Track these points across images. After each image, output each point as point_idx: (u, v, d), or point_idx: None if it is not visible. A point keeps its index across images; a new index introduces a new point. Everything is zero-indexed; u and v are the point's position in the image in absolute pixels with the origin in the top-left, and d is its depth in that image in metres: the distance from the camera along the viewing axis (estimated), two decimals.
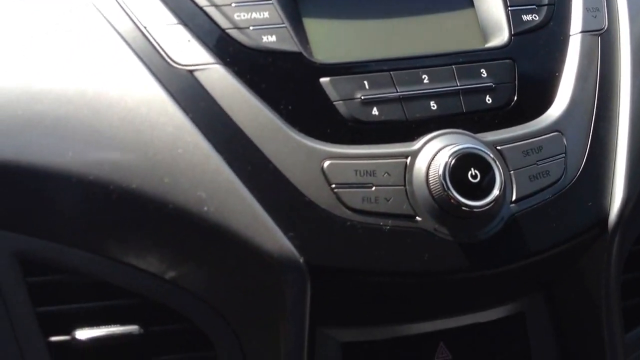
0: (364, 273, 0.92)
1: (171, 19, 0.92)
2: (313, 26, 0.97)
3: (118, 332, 0.92)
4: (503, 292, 1.02)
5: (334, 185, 0.91)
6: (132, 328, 0.92)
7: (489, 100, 0.99)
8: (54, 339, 0.91)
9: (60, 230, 0.91)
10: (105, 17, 0.92)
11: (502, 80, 1.00)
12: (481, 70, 0.99)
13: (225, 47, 0.92)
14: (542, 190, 0.98)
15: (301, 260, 0.89)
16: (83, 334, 0.91)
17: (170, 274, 0.92)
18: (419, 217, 0.93)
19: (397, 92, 0.96)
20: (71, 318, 0.92)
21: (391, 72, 0.96)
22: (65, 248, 0.91)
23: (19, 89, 0.90)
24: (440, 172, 0.92)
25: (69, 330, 0.91)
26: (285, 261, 0.89)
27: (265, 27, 0.94)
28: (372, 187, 0.92)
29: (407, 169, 0.93)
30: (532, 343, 1.04)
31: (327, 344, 0.97)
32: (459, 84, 0.98)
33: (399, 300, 0.97)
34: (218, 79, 0.91)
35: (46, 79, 0.91)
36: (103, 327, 0.92)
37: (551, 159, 0.98)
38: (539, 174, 0.97)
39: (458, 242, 0.93)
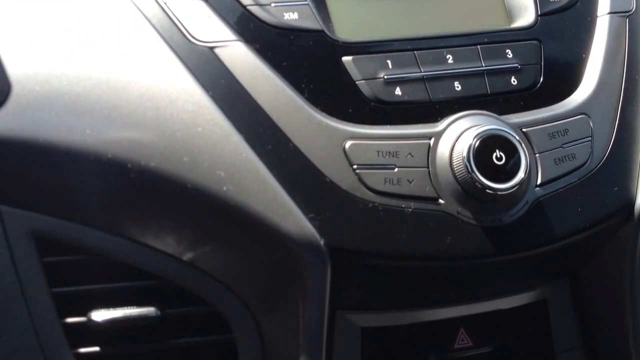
0: (385, 256, 0.91)
1: None
2: (335, 4, 0.96)
3: (135, 314, 0.91)
4: (526, 279, 1.02)
5: (355, 166, 0.90)
6: (149, 310, 0.91)
7: (514, 81, 0.97)
8: (69, 320, 0.91)
9: (76, 209, 0.90)
10: None
11: (527, 61, 0.99)
12: (506, 51, 0.98)
13: (247, 24, 0.91)
14: (567, 174, 0.96)
15: (322, 242, 0.88)
16: (99, 315, 0.91)
17: (188, 256, 0.91)
18: (442, 199, 0.92)
19: (421, 72, 0.94)
20: (87, 299, 0.91)
21: (415, 52, 0.95)
22: (81, 227, 0.90)
23: (37, 65, 0.89)
24: (465, 154, 0.90)
25: (84, 312, 0.91)
26: (306, 243, 0.88)
27: (287, 4, 0.93)
28: (394, 169, 0.91)
29: (431, 151, 0.92)
30: (554, 331, 1.04)
31: (347, 329, 0.96)
32: (483, 65, 0.97)
33: (419, 285, 0.97)
34: (239, 56, 0.90)
35: (63, 55, 0.90)
36: (119, 308, 0.91)
37: (577, 142, 0.97)
38: (565, 157, 0.96)
39: (481, 225, 0.92)
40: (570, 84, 1.00)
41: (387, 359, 0.98)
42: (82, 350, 0.91)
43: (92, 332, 0.91)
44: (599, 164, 0.98)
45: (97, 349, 0.92)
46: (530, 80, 0.98)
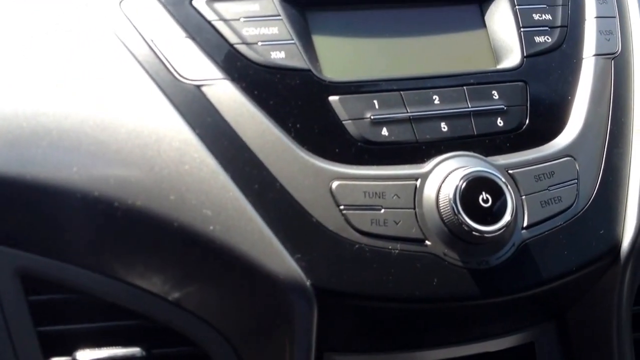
0: (371, 298, 0.92)
1: (179, 32, 0.92)
2: (322, 43, 0.97)
3: (120, 354, 0.91)
4: (513, 321, 1.02)
5: (342, 207, 0.91)
6: (135, 350, 0.91)
7: (500, 123, 0.99)
8: (54, 359, 0.90)
9: (63, 247, 0.91)
10: (112, 30, 0.92)
11: (513, 102, 1.00)
12: (493, 92, 1.00)
13: (233, 63, 0.93)
14: (554, 216, 0.98)
15: (308, 283, 0.89)
16: (84, 355, 0.90)
17: (174, 295, 0.91)
18: (428, 241, 0.93)
19: (408, 112, 0.96)
20: (73, 339, 0.91)
21: (401, 92, 0.97)
22: (68, 266, 0.90)
23: (25, 101, 0.90)
24: (451, 195, 0.91)
25: (70, 351, 0.91)
26: (292, 283, 0.89)
27: (273, 43, 0.94)
28: (381, 210, 0.92)
29: (417, 192, 0.93)
30: None
31: None
32: (470, 106, 0.98)
33: (406, 326, 0.97)
34: (225, 95, 0.91)
35: (52, 91, 0.91)
36: (105, 348, 0.91)
37: (563, 184, 0.99)
38: (551, 199, 0.98)
39: (468, 267, 0.93)
40: (556, 125, 1.02)
41: None
42: None
43: None
44: (585, 206, 0.99)
45: None
46: (516, 121, 1.00)
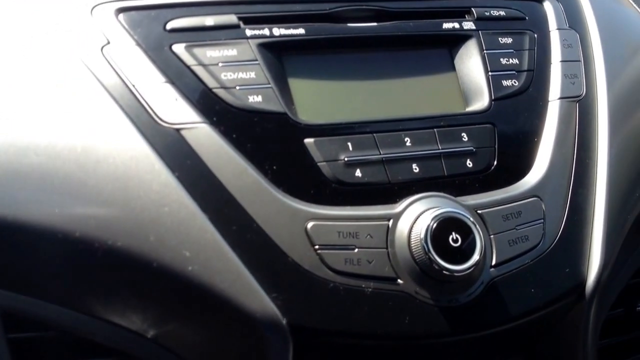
0: (345, 335, 0.93)
1: (159, 77, 0.94)
2: (298, 86, 0.99)
3: None
4: (483, 356, 1.04)
5: (317, 247, 0.93)
6: None
7: (469, 164, 1.01)
8: None
9: (43, 286, 0.92)
10: (94, 74, 0.94)
11: (482, 144, 1.03)
12: (462, 134, 1.02)
13: (212, 107, 0.94)
14: (521, 255, 1.00)
15: (284, 321, 0.90)
16: None
17: (153, 333, 0.92)
18: (400, 279, 0.94)
19: (380, 154, 0.98)
20: None
21: (374, 134, 0.98)
22: (48, 305, 0.91)
23: (7, 142, 0.91)
24: (422, 235, 0.93)
25: None
26: (268, 322, 0.90)
27: (251, 87, 0.96)
28: (354, 249, 0.93)
29: (390, 232, 0.95)
30: None
31: None
32: (440, 148, 1.00)
33: None
34: (204, 138, 0.93)
35: (34, 133, 0.92)
36: None
37: (530, 224, 1.01)
38: (518, 238, 1.00)
39: (438, 305, 0.95)
40: (522, 166, 1.04)
41: None
42: None
43: None
44: (551, 245, 1.01)
45: None
46: (484, 162, 1.02)
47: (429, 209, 0.95)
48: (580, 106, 1.10)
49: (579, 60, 1.13)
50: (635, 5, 1.34)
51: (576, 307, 1.03)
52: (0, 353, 0.90)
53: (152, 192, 0.90)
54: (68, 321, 0.92)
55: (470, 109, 1.05)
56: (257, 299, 0.90)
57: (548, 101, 1.08)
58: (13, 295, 0.91)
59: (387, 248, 0.95)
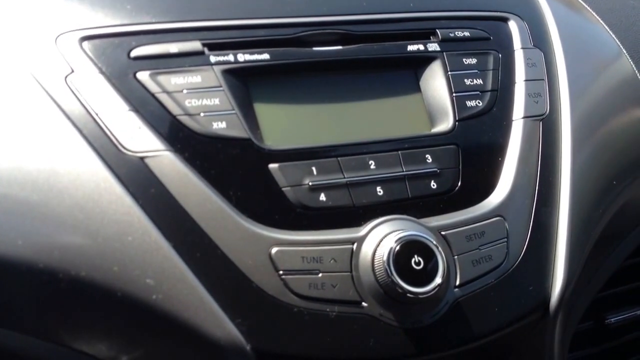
0: (310, 359, 0.90)
1: (123, 105, 0.90)
2: (263, 111, 0.96)
3: None
4: None
5: (281, 272, 0.89)
6: None
7: (433, 185, 0.98)
8: None
9: (9, 317, 0.88)
10: (57, 103, 0.90)
11: (446, 165, 0.99)
12: (426, 156, 0.99)
13: (176, 134, 0.90)
14: (485, 274, 0.97)
15: (248, 347, 0.87)
16: None
17: None
18: (365, 302, 0.91)
19: (345, 177, 0.94)
20: None
21: (339, 158, 0.95)
22: (12, 334, 0.88)
23: None
24: (385, 258, 0.90)
25: None
26: (232, 348, 0.87)
27: (215, 113, 0.92)
28: (318, 274, 0.90)
29: (354, 255, 0.92)
30: None
31: None
32: (404, 170, 0.97)
33: None
34: (168, 166, 0.89)
35: None
36: None
37: (493, 243, 0.98)
38: (482, 258, 0.97)
39: (403, 327, 0.92)
40: (486, 186, 1.01)
41: None
42: None
43: None
44: (514, 264, 0.98)
45: None
46: (448, 184, 0.99)
47: (392, 232, 0.92)
48: (543, 125, 1.06)
49: (543, 79, 1.10)
50: (602, 22, 1.30)
51: (541, 323, 1.00)
52: None
53: (116, 221, 0.87)
54: (34, 350, 0.89)
55: (435, 130, 1.02)
56: (221, 325, 0.87)
57: (512, 120, 1.05)
58: None
59: (351, 272, 0.91)
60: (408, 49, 1.03)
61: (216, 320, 0.87)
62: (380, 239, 0.92)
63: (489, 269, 0.97)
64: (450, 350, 0.95)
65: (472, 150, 1.01)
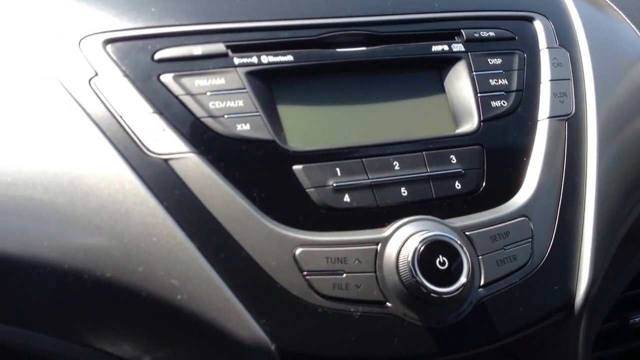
0: (334, 359, 0.89)
1: (147, 108, 0.89)
2: (287, 113, 0.94)
3: None
4: None
5: (305, 273, 0.88)
6: None
7: (458, 186, 0.96)
8: None
9: (33, 317, 0.88)
10: (81, 106, 0.89)
11: (471, 166, 0.97)
12: (451, 157, 0.97)
13: (200, 136, 0.89)
14: (509, 274, 0.95)
15: (273, 347, 0.86)
16: None
17: None
18: (389, 303, 0.90)
19: (369, 179, 0.93)
20: None
21: (363, 159, 0.93)
22: (39, 335, 0.87)
23: None
24: (410, 259, 0.89)
25: None
26: (257, 348, 0.86)
27: (239, 115, 0.91)
28: (343, 274, 0.89)
29: (378, 256, 0.90)
30: None
31: None
32: (429, 171, 0.95)
33: None
34: (192, 168, 0.88)
35: (21, 166, 0.87)
36: None
37: (518, 243, 0.96)
38: (506, 258, 0.95)
39: (427, 327, 0.90)
40: (511, 187, 0.99)
41: None
42: None
43: None
44: (539, 264, 0.96)
45: None
46: (473, 184, 0.97)
47: (416, 232, 0.91)
48: (569, 125, 1.04)
49: (569, 79, 1.07)
50: (629, 21, 1.27)
51: (565, 323, 0.98)
52: None
53: (141, 222, 0.85)
54: (60, 351, 0.88)
55: (459, 130, 1.00)
56: (246, 326, 0.86)
57: (537, 121, 1.03)
58: (5, 327, 0.87)
59: (375, 272, 0.90)
60: (432, 50, 1.02)
61: (241, 320, 0.85)
62: (404, 240, 0.90)
63: (514, 269, 0.95)
64: (474, 350, 0.93)
65: (497, 151, 0.99)
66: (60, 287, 0.85)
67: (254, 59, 0.94)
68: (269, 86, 0.94)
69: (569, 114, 1.05)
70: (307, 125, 0.95)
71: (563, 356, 0.99)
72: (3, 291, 0.86)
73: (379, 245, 0.90)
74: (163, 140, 0.88)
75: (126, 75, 0.90)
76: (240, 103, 0.91)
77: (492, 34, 1.05)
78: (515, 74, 1.04)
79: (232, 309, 0.86)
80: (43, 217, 0.85)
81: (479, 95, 1.00)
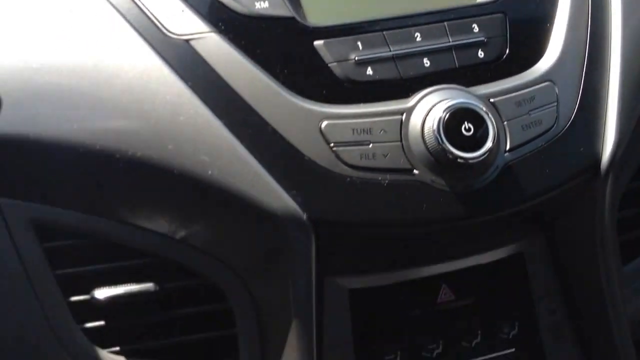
0: (365, 225, 0.91)
1: None
2: None
3: (134, 290, 0.91)
4: (501, 236, 1.01)
5: (332, 144, 0.89)
6: (148, 286, 0.91)
7: (481, 54, 0.95)
8: (73, 298, 0.91)
9: (71, 197, 0.90)
10: None
11: (493, 34, 0.97)
12: (473, 26, 0.96)
13: (219, 15, 0.89)
14: (535, 138, 0.95)
15: (304, 216, 0.87)
16: (101, 293, 0.90)
17: (180, 234, 0.91)
18: (416, 170, 0.90)
19: (391, 51, 0.93)
20: (89, 279, 0.91)
21: (384, 32, 0.93)
22: (77, 214, 0.90)
23: (21, 63, 0.88)
24: (435, 127, 0.89)
25: (88, 290, 0.91)
26: (290, 218, 0.87)
27: None
28: (369, 145, 0.90)
29: (403, 125, 0.91)
30: (530, 280, 1.02)
31: (335, 292, 0.95)
32: (451, 41, 0.95)
33: (401, 248, 0.96)
34: (214, 47, 0.88)
35: (46, 53, 0.88)
36: (120, 286, 0.91)
37: (543, 108, 0.96)
38: (532, 123, 0.95)
39: (455, 191, 0.91)
40: (535, 52, 0.98)
41: (375, 317, 0.98)
42: (89, 325, 0.91)
43: (97, 308, 0.91)
44: (564, 127, 0.96)
45: (102, 323, 0.92)
46: (496, 52, 0.96)
47: (441, 101, 0.91)
48: None
49: None
50: None
51: (592, 184, 0.98)
52: (38, 262, 0.89)
53: (167, 102, 0.87)
54: (98, 228, 0.90)
55: None
56: (277, 197, 0.87)
57: None
58: (44, 207, 0.89)
59: (401, 141, 0.90)
60: None
61: (272, 192, 0.87)
62: (429, 108, 0.90)
63: (539, 133, 0.95)
64: (501, 212, 0.94)
65: (520, 17, 0.98)
66: (94, 167, 0.87)
67: None
68: None
69: None
70: (326, 2, 0.94)
71: (590, 216, 0.99)
72: (41, 174, 0.89)
73: (404, 115, 0.91)
74: (183, 21, 0.88)
75: None
76: None
77: None
78: None
79: (262, 182, 0.87)
80: (70, 102, 0.87)
81: None
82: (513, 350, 1.02)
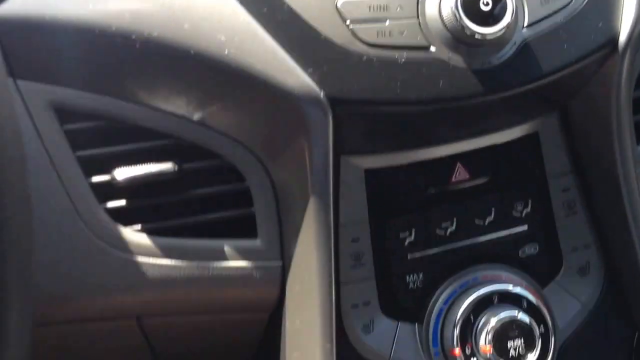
0: (382, 103, 0.89)
1: None
2: None
3: (154, 169, 0.91)
4: (517, 115, 0.99)
5: (348, 22, 0.87)
6: (167, 166, 0.91)
7: None
8: (95, 179, 0.91)
9: (88, 79, 0.89)
10: None
11: None
12: None
13: None
14: (553, 14, 0.93)
15: (321, 94, 0.86)
16: (121, 173, 0.90)
17: (197, 115, 0.90)
18: (433, 47, 0.89)
19: None
20: (109, 160, 0.91)
21: None
22: (95, 96, 0.89)
23: None
24: (453, 2, 0.87)
25: (108, 171, 0.91)
26: (307, 96, 0.86)
27: None
28: (386, 22, 0.88)
29: (420, 2, 0.89)
30: (545, 159, 1.02)
31: (351, 171, 0.95)
32: None
33: (416, 127, 0.95)
34: None
35: None
36: (140, 165, 0.90)
37: None
38: None
39: (472, 68, 0.90)
40: None
41: (390, 196, 0.97)
42: (110, 204, 0.91)
43: (118, 188, 0.91)
44: (583, 2, 0.94)
45: (123, 202, 0.92)
46: None
47: None
48: None
49: None
50: None
51: (609, 60, 0.96)
52: (59, 143, 0.89)
53: None
54: (117, 110, 0.90)
55: None
56: (295, 75, 0.86)
57: None
58: (63, 89, 0.88)
59: (418, 18, 0.88)
60: None
61: (289, 70, 0.86)
62: None
63: (558, 8, 0.92)
64: (518, 89, 0.92)
65: None
66: (111, 48, 0.86)
67: None
68: None
69: None
70: None
71: (606, 95, 0.98)
72: (58, 56, 0.88)
73: None
74: None
75: None
76: None
77: None
78: None
79: (279, 60, 0.86)
80: None
81: None
82: (525, 227, 1.02)
